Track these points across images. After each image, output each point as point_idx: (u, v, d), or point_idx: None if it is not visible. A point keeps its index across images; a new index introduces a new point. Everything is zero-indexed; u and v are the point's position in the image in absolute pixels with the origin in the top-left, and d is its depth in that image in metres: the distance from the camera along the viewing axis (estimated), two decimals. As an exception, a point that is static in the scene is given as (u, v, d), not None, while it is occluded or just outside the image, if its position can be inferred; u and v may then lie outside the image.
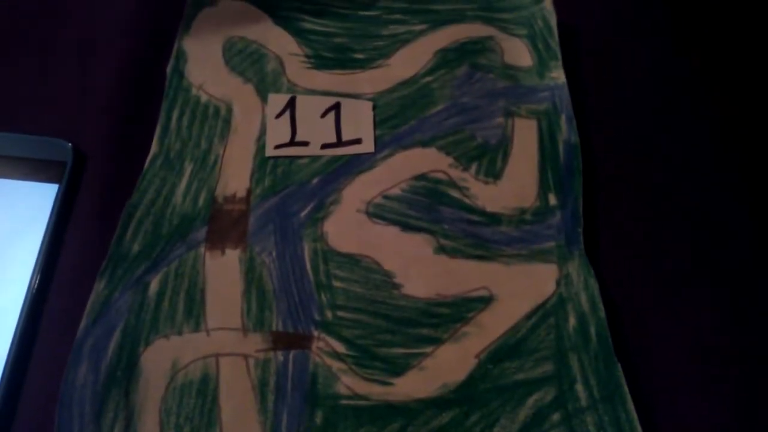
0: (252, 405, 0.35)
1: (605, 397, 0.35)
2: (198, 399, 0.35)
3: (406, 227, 0.41)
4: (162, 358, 0.36)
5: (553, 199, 0.42)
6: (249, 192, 0.42)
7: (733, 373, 0.38)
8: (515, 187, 0.43)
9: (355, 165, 0.43)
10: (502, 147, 0.44)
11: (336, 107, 0.45)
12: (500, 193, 0.42)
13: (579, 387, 0.36)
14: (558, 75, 0.46)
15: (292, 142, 0.44)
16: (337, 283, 0.39)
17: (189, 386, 0.36)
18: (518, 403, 0.36)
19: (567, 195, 0.42)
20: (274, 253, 0.40)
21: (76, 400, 0.35)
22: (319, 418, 0.35)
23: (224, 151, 0.44)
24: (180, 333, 0.37)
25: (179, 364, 0.36)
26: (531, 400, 0.36)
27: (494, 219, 0.41)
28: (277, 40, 0.48)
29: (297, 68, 0.47)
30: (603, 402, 0.35)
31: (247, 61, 0.47)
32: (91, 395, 0.35)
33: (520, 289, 0.39)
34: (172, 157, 0.43)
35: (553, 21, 0.48)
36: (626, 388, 0.35)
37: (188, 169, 0.43)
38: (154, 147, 0.43)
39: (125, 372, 0.36)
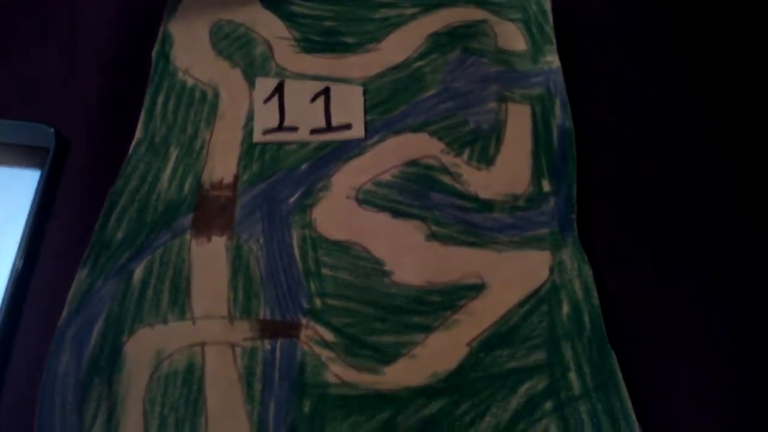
0: (239, 394, 0.35)
1: (599, 386, 0.35)
2: (183, 388, 0.35)
3: (397, 214, 0.40)
4: (146, 347, 0.36)
5: (546, 186, 0.41)
6: (236, 178, 0.41)
7: (729, 362, 0.37)
8: (508, 173, 0.42)
9: (345, 151, 0.42)
10: (495, 132, 0.43)
11: (325, 92, 0.44)
12: (493, 179, 0.42)
13: (572, 375, 0.35)
14: (552, 59, 0.46)
15: (281, 128, 0.43)
16: (326, 271, 0.38)
17: (174, 375, 0.35)
18: (510, 392, 0.35)
19: (561, 181, 0.41)
20: (261, 240, 0.39)
21: (58, 389, 0.34)
22: (307, 407, 0.34)
23: (211, 136, 0.43)
24: (165, 321, 0.36)
25: (164, 353, 0.35)
26: (523, 389, 0.35)
27: (487, 205, 0.41)
28: (265, 24, 0.47)
29: (286, 52, 0.46)
30: (596, 390, 0.35)
31: (235, 45, 0.46)
32: (73, 385, 0.34)
33: (513, 276, 0.38)
34: (157, 143, 0.42)
35: (548, 5, 0.48)
36: (620, 377, 0.35)
37: (174, 154, 0.42)
38: (138, 132, 0.42)
39: (108, 361, 0.35)
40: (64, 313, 0.36)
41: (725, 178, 0.43)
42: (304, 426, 0.34)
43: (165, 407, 0.34)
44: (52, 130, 0.42)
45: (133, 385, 0.34)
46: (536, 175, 0.42)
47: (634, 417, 0.34)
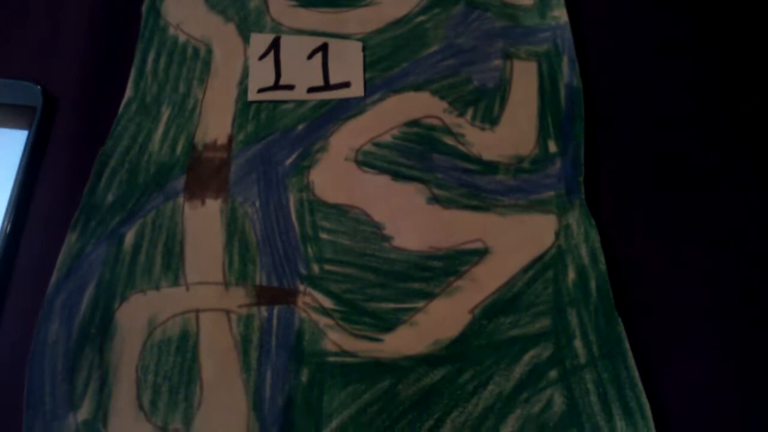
0: (234, 363, 0.34)
1: (605, 354, 0.34)
2: (177, 356, 0.34)
3: (397, 176, 0.39)
4: (138, 314, 0.35)
5: (552, 146, 0.40)
6: (230, 139, 0.40)
7: (738, 330, 0.36)
8: (513, 133, 0.40)
9: (344, 110, 0.41)
10: (500, 91, 0.42)
11: (323, 48, 0.43)
12: (497, 140, 0.40)
13: (578, 343, 0.34)
14: (560, 14, 0.44)
15: (277, 86, 0.41)
16: (324, 235, 0.37)
17: (167, 343, 0.34)
18: (513, 360, 0.34)
19: (567, 142, 0.40)
20: (257, 204, 0.38)
21: (48, 358, 0.33)
22: (304, 376, 0.34)
23: (204, 95, 0.41)
24: (158, 288, 0.35)
25: (157, 321, 0.35)
26: (527, 357, 0.34)
27: (490, 167, 0.39)
28: (260, -24, 0.45)
29: (281, 6, 0.44)
30: (603, 359, 0.34)
31: (228, -1, 0.44)
32: (63, 353, 0.33)
33: (517, 241, 0.37)
34: (148, 102, 0.41)
35: (555, -45, 0.45)
36: (627, 345, 0.34)
37: (165, 114, 0.40)
38: (128, 91, 0.41)
39: (99, 329, 0.34)
40: (53, 278, 0.35)
41: (742, 139, 0.41)
42: (302, 395, 0.33)
43: (158, 376, 0.33)
44: (39, 88, 0.41)
45: (125, 353, 0.34)
46: (542, 136, 0.40)
47: (641, 386, 0.33)
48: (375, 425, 0.33)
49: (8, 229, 0.37)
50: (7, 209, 0.37)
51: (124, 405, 0.33)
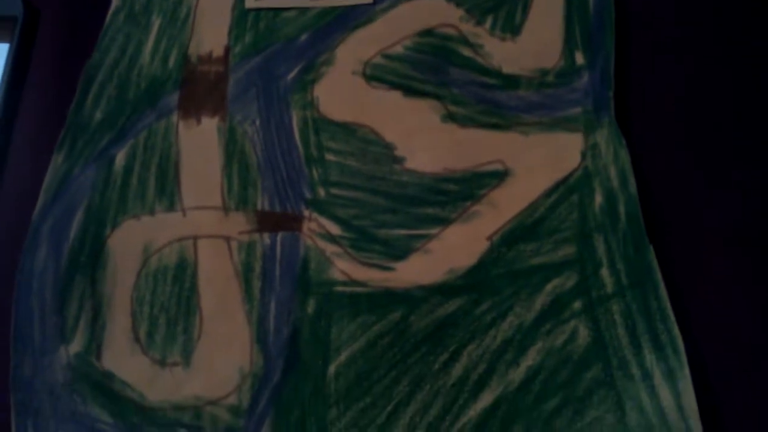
0: (236, 293, 0.32)
1: (634, 283, 0.32)
2: (174, 286, 0.32)
3: (410, 91, 0.37)
4: (132, 241, 0.33)
5: (580, 58, 0.37)
6: (227, 50, 0.38)
7: (778, 255, 0.34)
8: (536, 44, 0.38)
9: (351, 18, 0.38)
10: (523, -3, 0.39)
11: (328, -51, 0.40)
12: (519, 52, 0.38)
13: (604, 272, 0.32)
14: None
15: (277, -9, 0.39)
16: (330, 157, 0.35)
17: (164, 272, 0.33)
18: (534, 290, 0.32)
19: (596, 53, 0.37)
20: (257, 122, 0.36)
21: (36, 288, 0.32)
22: (311, 307, 0.32)
23: (197, 2, 0.39)
24: (152, 213, 0.34)
25: (152, 248, 0.33)
26: (549, 287, 0.32)
27: (511, 81, 0.37)
28: None
29: None
30: (631, 288, 0.32)
31: None
32: (52, 284, 0.32)
33: (540, 162, 0.35)
34: (137, 11, 0.39)
35: None
36: (658, 273, 0.32)
37: (156, 23, 0.38)
38: (116, -1, 0.39)
39: (90, 257, 0.33)
40: (39, 203, 0.33)
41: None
42: (308, 327, 0.32)
43: (155, 307, 0.32)
44: (18, -5, 0.38)
45: (119, 283, 0.32)
46: (568, 47, 0.38)
47: (672, 318, 0.31)
48: (386, 358, 0.31)
49: (-10, 149, 0.35)
50: (-12, 128, 0.36)
51: (118, 337, 0.31)
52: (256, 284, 0.33)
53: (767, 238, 0.34)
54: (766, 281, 0.33)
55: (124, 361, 0.31)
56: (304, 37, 0.38)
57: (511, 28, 0.38)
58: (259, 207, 0.34)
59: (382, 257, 0.33)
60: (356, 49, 0.38)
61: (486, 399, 0.30)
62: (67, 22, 0.39)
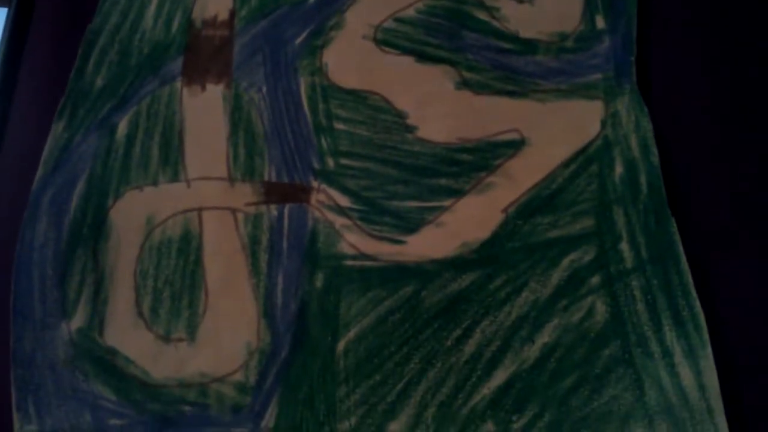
0: (242, 266, 0.32)
1: (655, 258, 0.31)
2: (179, 259, 0.32)
3: (422, 57, 0.36)
4: (135, 213, 0.33)
5: (600, 22, 0.36)
6: (232, 14, 0.37)
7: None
8: (555, 6, 0.37)
9: (362, -21, 0.38)
10: (542, -44, 0.38)
11: None
12: (537, 15, 0.37)
13: (624, 246, 0.32)
14: None
15: (284, -49, 0.38)
16: (339, 125, 0.35)
17: (168, 244, 0.32)
18: (551, 264, 0.32)
19: (618, 17, 0.36)
20: (264, 89, 0.35)
21: (36, 262, 0.32)
22: (319, 281, 0.32)
23: (202, -37, 0.38)
24: (155, 183, 0.33)
25: (155, 220, 0.33)
26: (566, 261, 0.32)
27: (529, 46, 0.36)
28: None
29: None
30: (652, 263, 0.31)
31: None
32: (52, 256, 0.32)
33: (558, 130, 0.34)
34: (139, -28, 0.38)
35: None
36: (681, 247, 0.31)
37: (159, -14, 0.38)
38: (116, -40, 0.38)
39: (92, 229, 0.32)
40: (39, 173, 0.33)
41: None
42: (317, 301, 0.31)
43: (158, 280, 0.32)
44: (15, -43, 0.37)
45: (121, 256, 0.32)
46: (589, 10, 0.37)
47: (695, 294, 0.30)
48: (397, 335, 0.31)
49: (-11, 117, 0.35)
50: (-14, 95, 0.35)
51: (121, 312, 0.31)
52: (263, 257, 0.32)
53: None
54: (793, 256, 0.32)
55: (128, 336, 0.31)
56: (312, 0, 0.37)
57: (529, -10, 0.37)
58: (266, 177, 0.34)
59: (392, 230, 0.33)
60: (367, 12, 0.37)
61: (500, 377, 0.30)
62: (66, -16, 0.38)
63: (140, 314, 0.31)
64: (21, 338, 0.30)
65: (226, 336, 0.31)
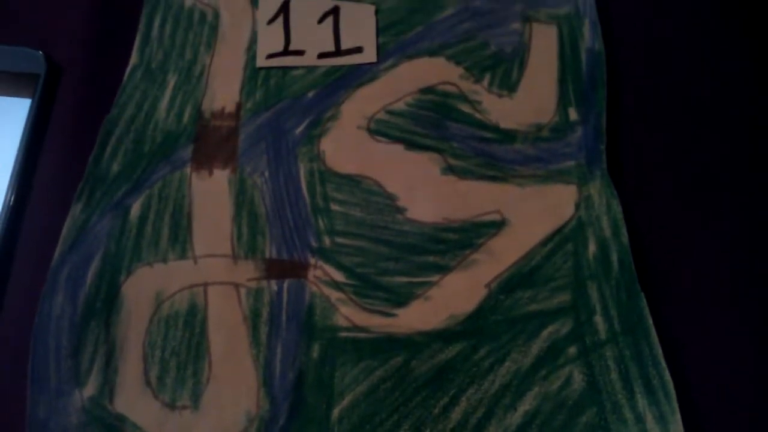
0: (243, 337, 0.33)
1: (627, 330, 0.33)
2: (185, 331, 0.33)
3: (411, 145, 0.38)
4: (145, 288, 0.34)
5: (573, 114, 0.38)
6: (239, 106, 0.39)
7: (767, 305, 0.35)
8: (532, 100, 0.39)
9: (356, 76, 0.40)
10: (519, 56, 0.40)
11: (334, 11, 0.41)
12: (515, 108, 0.39)
13: (598, 318, 0.33)
14: (582, -26, 0.42)
15: (286, 51, 0.40)
16: (335, 207, 0.36)
17: (175, 317, 0.33)
18: (531, 336, 0.33)
19: (589, 109, 0.38)
20: (266, 174, 0.37)
21: (53, 332, 0.32)
22: (315, 352, 0.33)
23: (211, 61, 0.40)
24: (165, 260, 0.35)
25: (164, 294, 0.34)
26: (545, 333, 0.33)
27: (508, 136, 0.38)
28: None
29: (291, -32, 0.43)
30: (624, 335, 0.33)
31: (236, -40, 0.43)
32: (68, 328, 0.33)
33: (536, 212, 0.36)
34: (153, 68, 0.39)
35: None
36: (650, 320, 0.33)
37: (171, 81, 0.39)
38: (134, 57, 0.40)
39: (105, 303, 0.33)
40: (58, 251, 0.34)
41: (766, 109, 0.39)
42: (313, 371, 0.32)
43: (166, 351, 0.33)
44: (42, 54, 0.40)
45: (132, 328, 0.33)
46: (562, 103, 0.39)
47: (664, 363, 0.32)
48: (388, 402, 0.32)
49: (12, 200, 0.36)
50: (10, 180, 0.36)
51: (130, 381, 0.32)
52: (264, 329, 0.33)
53: (757, 288, 0.35)
54: (755, 329, 0.34)
55: (136, 404, 0.31)
56: (311, 94, 0.39)
57: (508, 86, 0.39)
58: (267, 255, 0.35)
59: (384, 304, 0.34)
60: (361, 105, 0.38)
61: (485, 443, 0.31)
62: (87, 78, 0.40)
63: (148, 383, 0.32)
64: (36, 405, 0.30)
65: (228, 404, 0.31)
